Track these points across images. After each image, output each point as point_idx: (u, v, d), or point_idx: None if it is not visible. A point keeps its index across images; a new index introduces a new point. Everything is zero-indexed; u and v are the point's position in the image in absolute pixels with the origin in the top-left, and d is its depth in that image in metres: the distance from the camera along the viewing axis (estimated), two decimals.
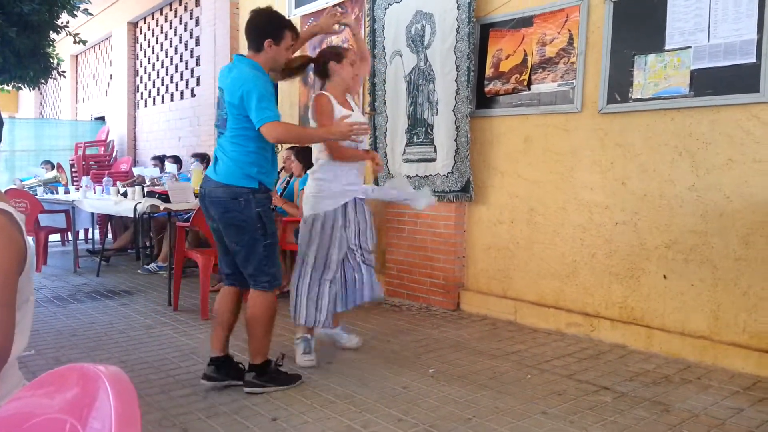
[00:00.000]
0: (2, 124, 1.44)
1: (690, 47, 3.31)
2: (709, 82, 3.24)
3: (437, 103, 4.59)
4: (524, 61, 4.14)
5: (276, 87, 3.01)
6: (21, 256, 1.26)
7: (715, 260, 3.22)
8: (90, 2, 8.59)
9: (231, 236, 2.83)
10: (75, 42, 8.82)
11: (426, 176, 4.68)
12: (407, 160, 4.84)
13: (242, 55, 2.92)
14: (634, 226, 3.56)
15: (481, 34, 4.39)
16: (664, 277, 3.42)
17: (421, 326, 4.05)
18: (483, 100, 4.39)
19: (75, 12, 8.35)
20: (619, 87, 3.61)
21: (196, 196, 5.21)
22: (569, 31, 3.88)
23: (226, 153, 2.83)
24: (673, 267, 3.39)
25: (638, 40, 3.53)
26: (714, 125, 3.23)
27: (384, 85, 5.06)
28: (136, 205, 4.96)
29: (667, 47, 3.41)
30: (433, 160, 4.62)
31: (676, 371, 3.12)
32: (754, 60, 3.07)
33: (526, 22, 4.12)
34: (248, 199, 2.78)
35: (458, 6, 4.41)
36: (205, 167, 6.69)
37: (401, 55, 4.89)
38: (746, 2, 3.11)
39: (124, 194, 5.66)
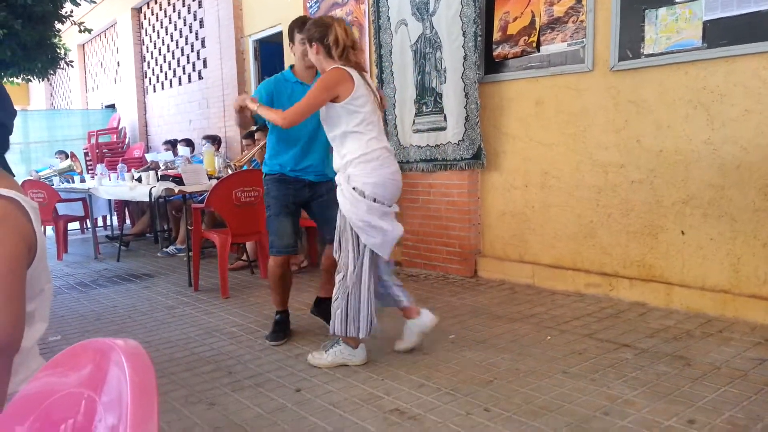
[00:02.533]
0: (15, 114, 1.43)
1: None
2: (723, 32, 3.16)
3: (445, 70, 4.54)
4: (532, 22, 4.06)
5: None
6: (28, 245, 1.24)
7: (733, 213, 3.18)
8: None
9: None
10: (80, 31, 8.83)
11: (437, 145, 4.65)
12: (417, 131, 4.81)
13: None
14: (650, 183, 3.52)
15: None
16: (682, 233, 3.39)
17: (439, 294, 4.07)
18: (492, 65, 4.33)
19: (78, 1, 8.34)
20: (631, 43, 3.54)
21: (210, 178, 5.25)
22: None
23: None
24: (691, 222, 3.35)
25: None
26: (729, 76, 3.16)
27: (390, 56, 5.01)
28: (151, 189, 5.00)
29: None
30: (444, 128, 4.59)
31: (696, 326, 3.11)
32: None
33: None
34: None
35: None
36: (216, 149, 6.72)
37: (407, 25, 4.83)
38: None
39: (139, 179, 5.70)
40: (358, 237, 2.73)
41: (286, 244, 3.20)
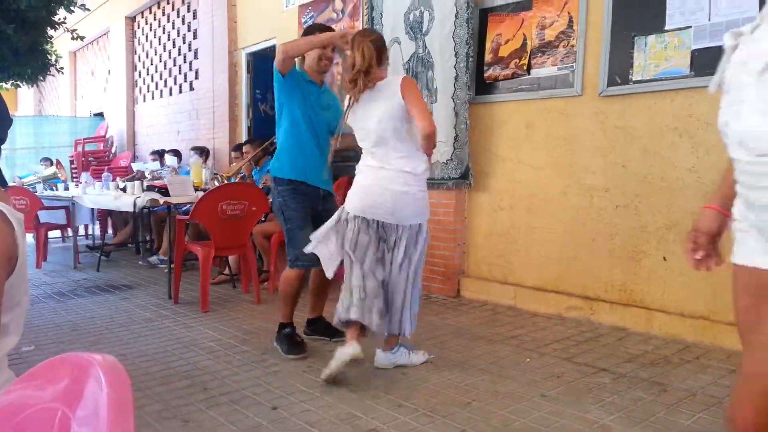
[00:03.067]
0: (10, 123, 1.40)
1: (690, 27, 3.27)
2: (710, 61, 3.20)
3: (436, 90, 4.55)
4: (524, 45, 4.10)
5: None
6: (8, 256, 1.21)
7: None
8: None
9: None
10: (73, 38, 8.81)
11: None
12: None
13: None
14: (635, 209, 3.53)
15: (480, 18, 4.35)
16: (664, 259, 3.39)
17: (421, 313, 4.00)
18: (483, 86, 4.36)
19: (72, 8, 8.32)
20: (620, 69, 3.57)
21: (196, 189, 5.21)
22: (569, 13, 3.84)
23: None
24: (673, 249, 3.36)
25: (638, 21, 3.49)
26: (714, 105, 3.17)
27: None
28: (136, 199, 4.95)
29: (667, 27, 3.37)
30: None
31: (674, 352, 3.10)
32: None
33: (525, 5, 4.08)
34: None
35: None
36: (204, 160, 6.69)
37: (399, 43, 4.85)
38: None
39: (124, 189, 5.65)
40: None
41: (311, 257, 3.06)
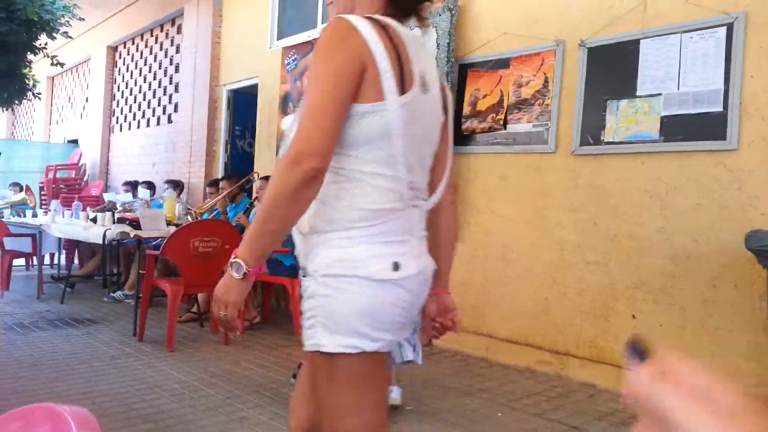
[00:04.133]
0: None
1: (660, 94, 3.43)
2: (679, 128, 3.35)
3: None
4: (500, 101, 4.22)
5: None
6: None
7: (683, 302, 3.27)
8: (70, 25, 8.56)
9: None
10: (53, 64, 8.76)
11: None
12: None
13: None
14: (605, 266, 3.61)
15: (459, 73, 4.48)
16: (633, 317, 3.46)
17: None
18: (460, 137, 4.45)
19: (54, 35, 8.31)
20: (592, 130, 3.70)
21: (169, 224, 5.16)
22: (545, 74, 3.99)
23: None
24: (642, 307, 3.43)
25: (611, 86, 3.64)
26: (682, 170, 3.32)
27: None
28: (106, 231, 4.87)
29: (638, 93, 3.52)
30: None
31: None
32: (721, 109, 3.19)
33: (503, 63, 4.22)
34: None
35: (438, 46, 4.50)
36: (178, 194, 6.64)
37: None
38: (714, 54, 3.24)
39: (94, 219, 5.56)
40: None
41: None
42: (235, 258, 1.19)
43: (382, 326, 1.20)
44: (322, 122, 1.13)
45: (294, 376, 3.42)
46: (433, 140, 1.34)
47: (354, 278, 1.18)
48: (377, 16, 1.24)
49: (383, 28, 1.20)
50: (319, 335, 1.19)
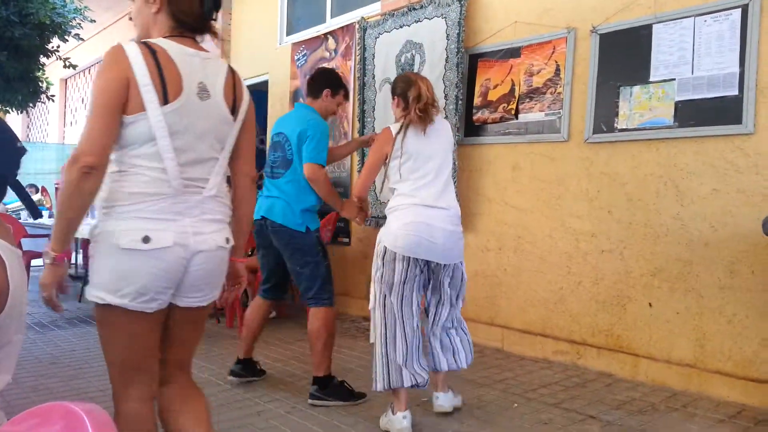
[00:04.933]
0: (24, 151, 1.52)
1: (674, 79, 3.38)
2: (693, 113, 3.30)
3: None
4: (512, 90, 4.19)
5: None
6: None
7: (700, 289, 3.24)
8: (82, 27, 8.62)
9: (295, 260, 3.13)
10: (65, 66, 8.84)
11: None
12: None
13: (301, 103, 3.39)
14: (620, 254, 3.57)
15: (470, 63, 4.45)
16: (650, 305, 3.43)
17: None
18: (471, 128, 4.43)
19: (66, 37, 8.37)
20: (605, 117, 3.66)
21: None
22: (556, 62, 3.95)
23: (284, 193, 3.13)
24: (658, 295, 3.39)
25: (623, 72, 3.59)
26: (698, 155, 3.27)
27: (373, 112, 5.10)
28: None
29: (652, 79, 3.47)
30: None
31: (661, 399, 3.11)
32: (736, 92, 3.14)
33: (514, 52, 4.19)
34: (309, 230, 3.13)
35: (447, 36, 4.48)
36: None
37: (391, 83, 4.93)
38: (728, 37, 3.18)
39: None
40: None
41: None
42: (45, 248, 1.54)
43: (127, 287, 1.50)
44: (94, 128, 1.48)
45: (236, 373, 3.38)
46: (217, 138, 1.64)
47: (106, 245, 1.50)
48: (151, 41, 1.55)
49: (151, 52, 1.51)
50: (88, 286, 1.57)
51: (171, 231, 1.53)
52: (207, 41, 1.72)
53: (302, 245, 3.10)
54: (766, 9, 3.06)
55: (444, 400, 2.86)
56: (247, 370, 3.40)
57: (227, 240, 1.70)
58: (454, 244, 2.77)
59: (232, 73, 1.72)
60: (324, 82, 3.30)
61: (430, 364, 2.82)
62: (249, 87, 6.50)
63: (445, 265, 2.79)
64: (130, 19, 1.70)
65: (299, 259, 3.11)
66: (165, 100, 1.51)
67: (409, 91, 2.76)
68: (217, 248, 1.64)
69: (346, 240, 5.45)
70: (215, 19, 1.70)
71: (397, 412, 2.63)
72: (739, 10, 3.15)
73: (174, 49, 1.56)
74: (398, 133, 2.73)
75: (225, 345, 4.21)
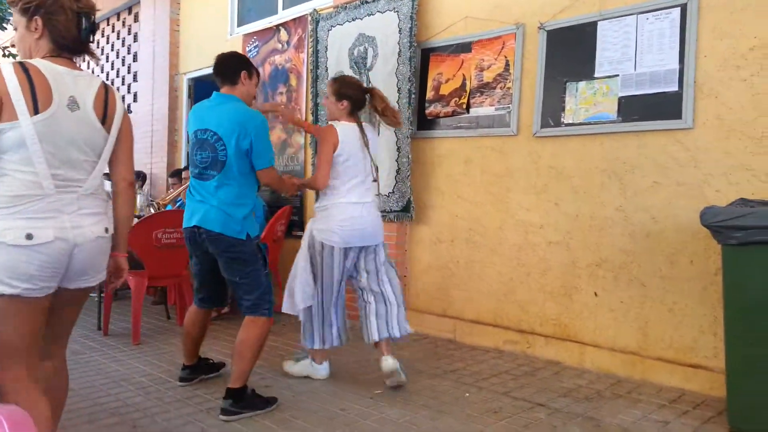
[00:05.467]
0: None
1: (618, 75, 3.48)
2: (636, 108, 3.41)
3: (379, 123, 4.61)
4: (463, 85, 4.24)
5: None
6: None
7: (642, 278, 3.36)
8: None
9: (234, 270, 2.91)
10: (4, 56, 8.46)
11: None
12: None
13: (220, 93, 3.03)
14: (566, 245, 3.67)
15: (422, 57, 4.47)
16: (595, 294, 3.54)
17: (361, 347, 4.02)
18: (424, 121, 4.46)
19: (5, 25, 8.01)
20: (552, 112, 3.74)
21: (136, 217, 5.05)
22: (506, 57, 4.01)
23: (219, 200, 2.86)
24: (603, 285, 3.51)
25: (570, 68, 3.68)
26: (640, 149, 3.39)
27: None
28: None
29: (596, 75, 3.57)
30: (374, 179, 4.63)
31: (607, 386, 3.22)
32: (676, 88, 3.26)
33: (465, 47, 4.23)
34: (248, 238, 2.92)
35: (400, 30, 4.48)
36: (140, 186, 6.50)
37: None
38: (669, 35, 3.30)
39: None
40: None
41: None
42: None
43: (17, 278, 1.71)
44: None
45: (185, 377, 3.27)
46: (87, 145, 1.86)
47: None
48: (28, 61, 1.79)
49: (24, 70, 1.74)
50: None
51: (51, 228, 1.75)
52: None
53: (242, 253, 2.86)
54: (704, 8, 3.18)
55: (391, 361, 3.15)
56: (197, 371, 3.30)
57: (106, 229, 1.93)
58: (379, 228, 3.31)
59: (105, 89, 1.94)
60: (238, 65, 3.02)
61: (367, 333, 3.26)
62: (198, 78, 6.40)
63: (374, 246, 3.30)
64: (13, 45, 1.91)
65: (239, 269, 2.88)
66: (35, 110, 1.73)
67: (359, 97, 3.27)
68: (97, 238, 1.87)
69: (300, 233, 5.41)
70: (92, 42, 1.96)
71: (322, 362, 3.33)
72: (679, 8, 3.27)
73: (47, 67, 1.79)
74: (343, 133, 3.19)
75: (175, 342, 4.13)
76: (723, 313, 2.64)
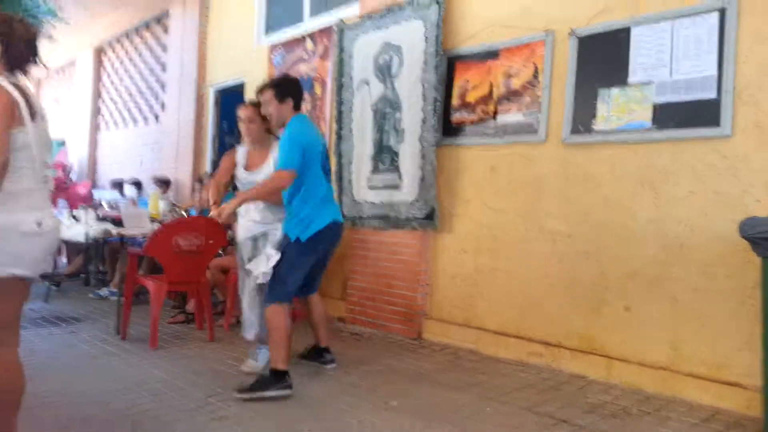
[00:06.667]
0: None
1: (653, 82, 3.36)
2: (671, 116, 3.28)
3: (403, 131, 4.56)
4: (490, 92, 4.15)
5: None
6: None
7: (675, 292, 3.20)
8: (54, 26, 8.42)
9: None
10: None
11: (391, 203, 4.62)
12: (372, 187, 4.78)
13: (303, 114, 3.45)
14: (596, 256, 3.53)
15: (448, 65, 4.40)
16: (625, 309, 3.39)
17: (381, 356, 3.92)
18: (450, 129, 4.38)
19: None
20: (583, 119, 3.63)
21: (153, 221, 5.05)
22: (534, 64, 3.92)
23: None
24: (633, 298, 3.36)
25: (602, 74, 3.57)
26: (675, 158, 3.25)
27: (351, 113, 5.03)
28: (88, 229, 4.77)
29: (630, 82, 3.45)
30: (398, 187, 4.57)
31: (634, 403, 3.06)
32: (714, 95, 3.12)
33: (492, 54, 4.15)
34: None
35: (426, 39, 4.43)
36: (165, 191, 6.53)
37: (368, 84, 4.87)
38: (707, 40, 3.18)
39: (77, 218, 5.44)
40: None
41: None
42: None
43: (29, 262, 2.05)
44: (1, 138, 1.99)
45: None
46: (48, 149, 2.21)
47: (11, 231, 2.01)
48: (9, 77, 2.10)
49: (17, 86, 2.06)
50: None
51: (49, 217, 2.12)
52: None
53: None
54: (744, 12, 3.06)
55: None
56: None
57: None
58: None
59: None
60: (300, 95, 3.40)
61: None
62: (224, 90, 6.50)
63: None
64: None
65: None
66: (32, 118, 2.07)
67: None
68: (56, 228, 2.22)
69: None
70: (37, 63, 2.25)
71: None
72: (717, 13, 3.15)
73: (25, 83, 2.15)
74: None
75: (193, 347, 4.08)
76: (761, 329, 2.49)
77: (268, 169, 3.42)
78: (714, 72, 3.15)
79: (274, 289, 3.18)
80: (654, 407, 3.00)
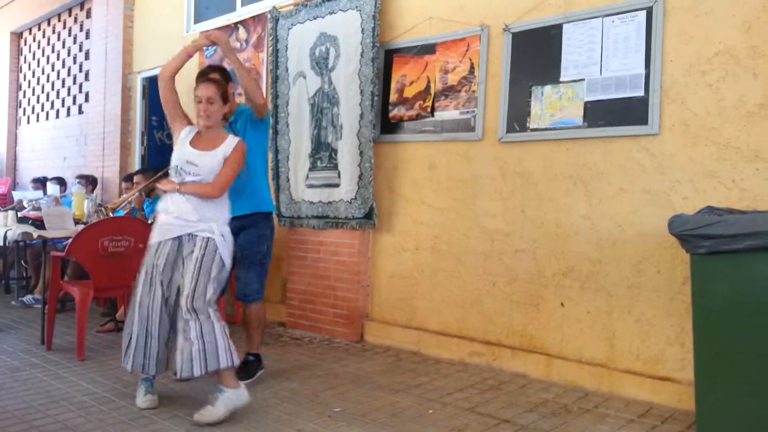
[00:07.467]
0: None
1: (584, 80, 3.40)
2: (602, 113, 3.34)
3: (341, 127, 4.47)
4: (427, 87, 4.12)
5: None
6: None
7: (609, 288, 3.28)
8: None
9: None
10: None
11: (330, 202, 4.53)
12: (311, 186, 4.67)
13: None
14: (533, 253, 3.58)
15: (386, 59, 4.34)
16: (562, 305, 3.45)
17: (322, 360, 3.86)
18: (388, 125, 4.33)
19: None
20: (518, 116, 3.65)
21: (77, 222, 4.78)
22: (470, 60, 3.90)
23: None
24: (570, 295, 3.42)
25: (535, 71, 3.59)
26: (606, 155, 3.31)
27: (287, 107, 4.89)
28: (6, 231, 4.46)
29: (562, 79, 3.48)
30: (337, 185, 4.48)
31: (574, 400, 3.13)
32: (642, 93, 3.19)
33: (429, 49, 4.11)
34: None
35: (362, 30, 4.34)
36: (90, 190, 6.20)
37: (305, 77, 4.75)
38: (635, 39, 3.23)
39: None
40: None
41: None
42: None
43: None
44: None
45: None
46: None
47: None
48: None
49: None
50: None
51: None
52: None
53: (262, 238, 3.47)
54: (669, 11, 3.13)
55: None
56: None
57: None
58: None
59: None
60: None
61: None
62: (152, 78, 6.20)
63: None
64: None
65: None
66: None
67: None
68: None
69: None
70: None
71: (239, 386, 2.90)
72: (645, 12, 3.21)
73: None
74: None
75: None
76: (691, 323, 2.57)
77: (217, 158, 2.92)
78: (642, 70, 3.21)
79: (262, 286, 3.39)
80: (593, 404, 3.07)
